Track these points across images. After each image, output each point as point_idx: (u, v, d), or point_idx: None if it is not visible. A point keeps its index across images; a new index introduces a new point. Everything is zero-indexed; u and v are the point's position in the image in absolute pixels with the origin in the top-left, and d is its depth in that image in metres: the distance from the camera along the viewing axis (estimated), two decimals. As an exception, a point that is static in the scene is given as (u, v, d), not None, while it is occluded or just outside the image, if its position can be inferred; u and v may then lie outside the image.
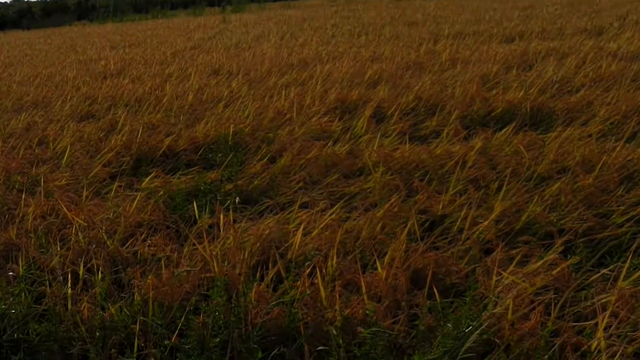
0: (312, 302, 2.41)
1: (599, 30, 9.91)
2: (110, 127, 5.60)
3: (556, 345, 2.11)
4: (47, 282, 2.73)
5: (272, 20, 20.44)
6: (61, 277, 2.73)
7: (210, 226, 3.25)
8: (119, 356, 2.29)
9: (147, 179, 4.03)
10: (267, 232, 3.00)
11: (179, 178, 4.07)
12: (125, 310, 2.46)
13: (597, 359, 2.06)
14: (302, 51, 10.13)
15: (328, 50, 9.93)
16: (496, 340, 2.18)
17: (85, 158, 4.59)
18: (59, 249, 3.02)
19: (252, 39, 13.56)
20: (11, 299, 2.56)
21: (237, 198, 3.57)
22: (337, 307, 2.34)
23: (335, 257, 2.69)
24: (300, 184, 3.84)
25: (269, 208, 3.54)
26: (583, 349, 2.11)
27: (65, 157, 4.57)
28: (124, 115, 5.83)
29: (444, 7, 18.90)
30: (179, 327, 2.34)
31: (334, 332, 2.21)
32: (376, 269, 2.65)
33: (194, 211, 3.42)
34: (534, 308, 2.30)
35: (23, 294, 2.61)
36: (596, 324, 2.19)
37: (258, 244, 2.92)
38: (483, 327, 2.15)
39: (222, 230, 3.06)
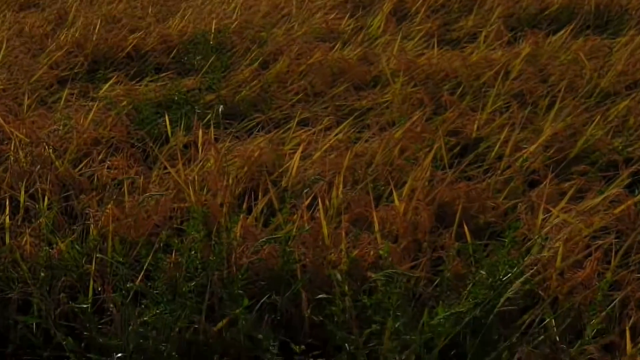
0: (312, 240, 2.41)
1: None
2: (59, 18, 5.46)
3: (616, 300, 2.12)
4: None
5: None
6: (-3, 205, 2.73)
7: (185, 146, 3.26)
8: (70, 302, 2.28)
9: (106, 86, 3.97)
10: (257, 153, 3.00)
11: (146, 85, 4.03)
12: (77, 246, 2.46)
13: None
14: None
15: None
16: (540, 292, 2.19)
17: (27, 57, 4.48)
18: (-7, 170, 3.02)
19: None
20: None
21: (221, 107, 3.59)
22: (342, 247, 2.35)
23: (341, 186, 2.68)
24: (300, 96, 3.82)
25: (259, 125, 3.53)
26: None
27: (-1, 55, 4.47)
28: (75, 4, 5.68)
29: None
30: (145, 268, 2.33)
31: (339, 276, 2.20)
32: (392, 201, 2.66)
33: (166, 127, 3.42)
34: (589, 254, 2.31)
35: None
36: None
37: (245, 168, 2.93)
38: (525, 275, 2.14)
39: (200, 151, 3.08)
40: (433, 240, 2.48)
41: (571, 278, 2.20)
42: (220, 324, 2.17)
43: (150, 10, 5.52)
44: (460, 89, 3.77)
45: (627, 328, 2.02)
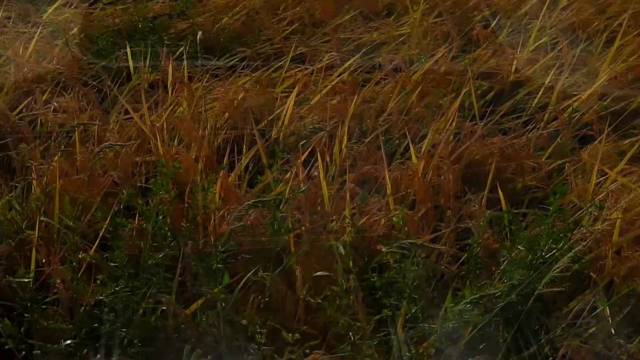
0: (309, 204, 2.43)
1: None
2: None
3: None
4: None
5: None
6: None
7: (151, 85, 3.28)
8: (7, 276, 2.28)
9: (51, 9, 3.96)
10: (240, 96, 3.02)
11: (103, 9, 4.05)
12: (16, 207, 2.47)
13: None
14: None
15: None
16: (592, 274, 2.21)
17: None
18: None
19: None
20: None
21: (200, 33, 3.58)
22: (347, 213, 2.35)
23: (345, 139, 2.70)
24: (295, 26, 3.84)
25: (244, 61, 3.55)
26: None
27: None
28: None
29: None
30: (101, 235, 2.35)
31: (341, 249, 2.20)
32: (409, 159, 2.68)
33: (127, 61, 3.45)
34: (654, 228, 2.33)
35: None
36: None
37: (226, 115, 2.95)
38: (574, 251, 2.12)
39: (170, 92, 3.09)
40: (459, 207, 2.50)
41: (631, 257, 2.20)
42: (194, 306, 2.16)
43: None
44: (496, 20, 3.78)
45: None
